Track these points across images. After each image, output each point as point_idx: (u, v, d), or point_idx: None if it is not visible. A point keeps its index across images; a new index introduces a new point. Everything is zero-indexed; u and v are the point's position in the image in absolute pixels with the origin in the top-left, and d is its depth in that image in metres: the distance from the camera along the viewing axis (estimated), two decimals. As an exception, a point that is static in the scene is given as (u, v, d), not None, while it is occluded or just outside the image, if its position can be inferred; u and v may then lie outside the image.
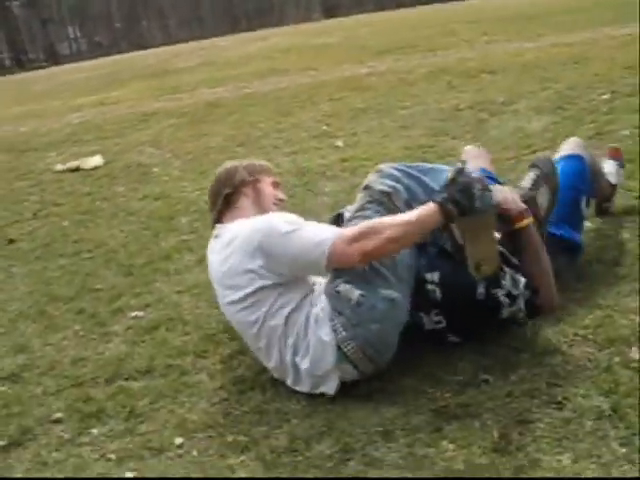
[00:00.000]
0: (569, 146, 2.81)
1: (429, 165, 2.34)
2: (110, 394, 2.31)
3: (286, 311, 2.08)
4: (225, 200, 2.35)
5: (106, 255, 3.76)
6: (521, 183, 2.41)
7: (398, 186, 2.13)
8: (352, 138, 5.50)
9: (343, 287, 2.05)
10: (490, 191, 2.03)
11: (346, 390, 2.07)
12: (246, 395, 2.15)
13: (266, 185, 2.42)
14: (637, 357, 1.96)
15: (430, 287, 2.14)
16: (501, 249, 2.16)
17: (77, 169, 6.06)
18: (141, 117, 8.41)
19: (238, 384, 2.22)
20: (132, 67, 17.44)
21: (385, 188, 2.12)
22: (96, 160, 6.16)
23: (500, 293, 2.13)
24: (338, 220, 2.39)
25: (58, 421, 2.22)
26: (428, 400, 1.96)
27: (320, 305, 2.08)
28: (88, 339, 2.77)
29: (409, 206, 2.08)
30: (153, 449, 1.97)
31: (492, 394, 1.93)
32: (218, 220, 2.36)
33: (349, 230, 2.03)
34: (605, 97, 5.30)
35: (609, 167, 3.08)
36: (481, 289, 2.11)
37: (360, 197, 2.19)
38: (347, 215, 2.27)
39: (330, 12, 47.54)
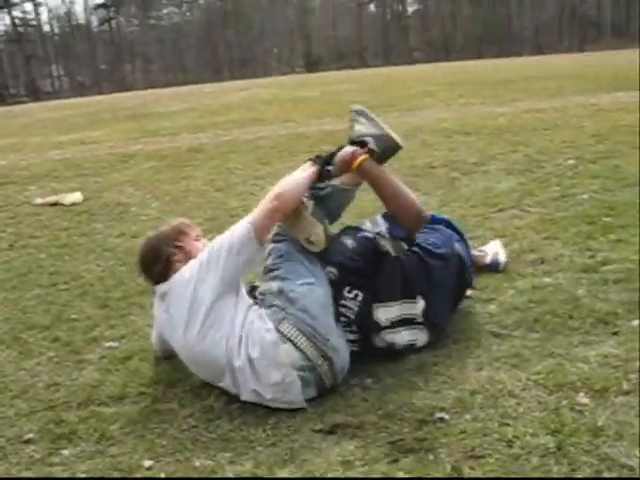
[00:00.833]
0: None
1: None
2: (82, 418, 2.38)
3: (238, 321, 2.35)
4: (161, 272, 2.53)
5: (82, 287, 3.84)
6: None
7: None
8: (328, 188, 5.66)
9: (263, 287, 2.48)
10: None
11: (309, 424, 2.18)
12: (214, 423, 2.25)
13: (191, 243, 2.63)
14: (583, 401, 2.10)
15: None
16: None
17: (56, 204, 6.15)
18: (121, 158, 8.55)
19: (207, 412, 2.32)
20: (113, 108, 17.65)
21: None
22: (75, 196, 6.26)
23: (368, 234, 2.64)
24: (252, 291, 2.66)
25: (29, 441, 2.28)
26: (387, 434, 2.08)
27: (257, 311, 2.40)
28: (62, 366, 2.84)
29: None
30: (122, 470, 2.05)
31: (447, 431, 2.06)
32: (159, 281, 2.55)
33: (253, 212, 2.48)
34: (571, 162, 5.57)
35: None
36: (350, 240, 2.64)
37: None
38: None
39: (312, 66, 48.53)
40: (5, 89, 54.25)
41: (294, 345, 2.29)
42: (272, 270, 2.51)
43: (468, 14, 52.76)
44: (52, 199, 6.25)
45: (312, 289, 2.42)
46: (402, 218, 2.59)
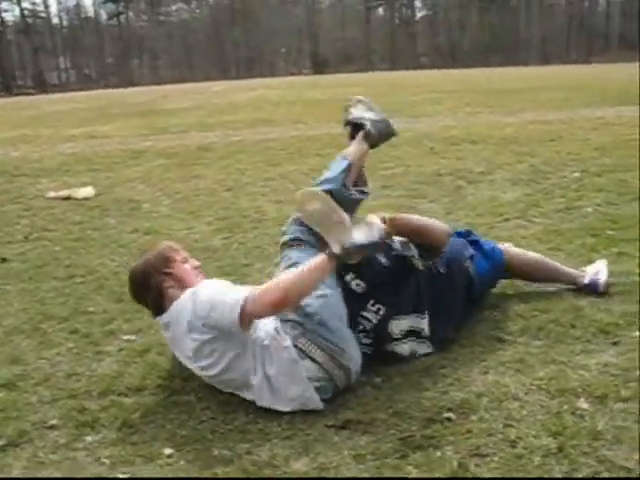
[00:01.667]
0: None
1: None
2: (103, 406, 2.49)
3: (250, 339, 2.36)
4: (155, 302, 2.56)
5: (98, 281, 3.95)
6: None
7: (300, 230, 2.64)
8: (336, 192, 5.77)
9: None
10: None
11: (323, 420, 2.29)
12: (231, 415, 2.36)
13: (180, 267, 2.60)
14: (584, 407, 2.21)
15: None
16: None
17: (68, 198, 6.26)
18: (131, 154, 8.66)
19: (223, 405, 2.43)
20: (122, 103, 17.77)
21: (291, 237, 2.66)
22: (87, 191, 6.38)
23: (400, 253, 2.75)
24: None
25: (53, 427, 2.39)
26: (397, 431, 2.19)
27: (272, 324, 2.41)
28: (81, 356, 2.95)
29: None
30: (144, 457, 2.16)
31: (454, 430, 2.16)
32: (158, 313, 2.57)
33: (257, 289, 2.32)
34: (576, 175, 5.68)
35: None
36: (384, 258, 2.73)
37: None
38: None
39: (319, 67, 48.62)
40: (12, 80, 54.40)
41: (312, 360, 2.35)
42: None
43: (476, 22, 52.89)
44: (65, 193, 6.37)
45: (327, 301, 2.45)
46: (429, 246, 2.79)
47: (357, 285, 2.65)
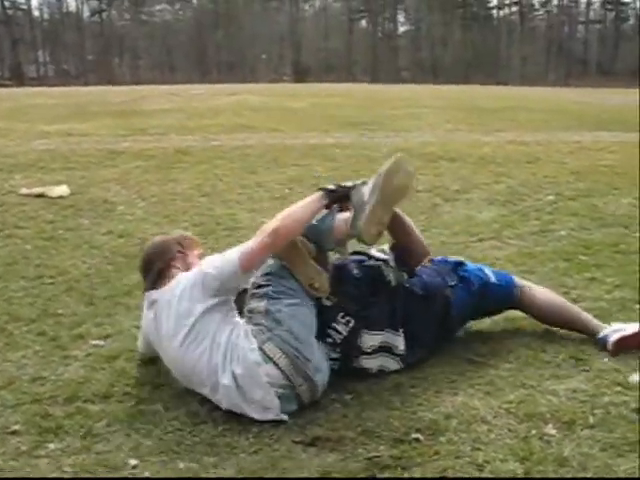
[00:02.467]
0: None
1: None
2: (68, 413, 2.45)
3: (224, 337, 2.42)
4: (158, 274, 2.65)
5: (68, 283, 3.90)
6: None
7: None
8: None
9: (251, 305, 2.53)
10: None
11: (291, 435, 2.27)
12: (199, 427, 2.33)
13: (193, 257, 2.74)
14: (551, 432, 2.22)
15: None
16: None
17: (42, 195, 6.17)
18: (108, 154, 8.56)
19: (192, 417, 2.40)
20: (101, 102, 17.58)
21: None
22: (62, 190, 6.29)
23: (373, 259, 2.80)
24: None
25: (15, 433, 2.34)
26: (364, 450, 2.18)
27: (243, 327, 2.47)
28: (48, 360, 2.90)
29: None
30: (108, 467, 2.13)
31: (421, 451, 2.16)
32: (152, 288, 2.65)
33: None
34: (550, 198, 5.74)
35: None
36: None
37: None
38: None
39: (300, 75, 48.70)
40: (-11, 71, 53.72)
41: (275, 365, 2.37)
42: (260, 286, 2.58)
43: (459, 38, 53.40)
44: (38, 190, 6.27)
45: (298, 309, 2.50)
46: (409, 253, 2.81)
47: (327, 298, 2.64)
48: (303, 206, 2.56)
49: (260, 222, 5.14)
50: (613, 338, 2.81)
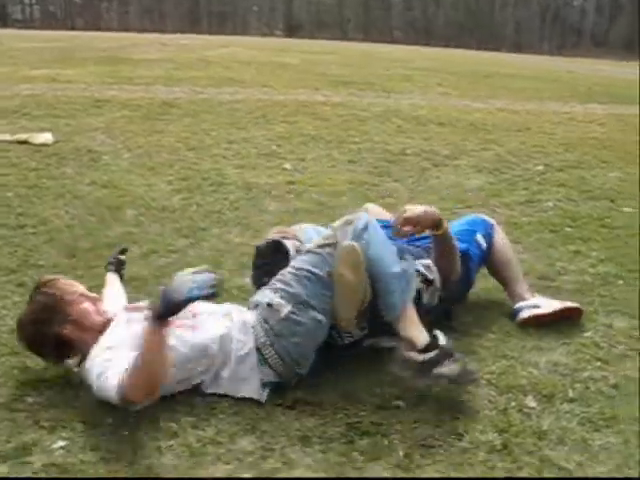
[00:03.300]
0: None
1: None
2: (47, 366, 2.42)
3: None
4: (58, 356, 2.34)
5: (50, 233, 3.84)
6: None
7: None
8: (300, 163, 5.72)
9: (277, 301, 2.30)
10: None
11: (271, 398, 2.26)
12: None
13: (76, 309, 2.33)
14: (531, 405, 2.23)
15: None
16: None
17: (25, 142, 6.05)
18: (94, 102, 8.39)
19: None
20: (88, 47, 17.19)
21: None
22: (46, 137, 6.16)
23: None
24: (273, 250, 2.62)
25: (-7, 385, 2.32)
26: (345, 415, 2.18)
27: (249, 314, 2.34)
28: (28, 311, 2.86)
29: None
30: (86, 422, 2.11)
31: (402, 418, 2.17)
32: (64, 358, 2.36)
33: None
34: (539, 168, 5.72)
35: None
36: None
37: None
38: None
39: (292, 31, 47.96)
40: (-27, 10, 52.36)
41: (272, 369, 2.27)
42: (289, 283, 2.33)
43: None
44: (21, 137, 6.15)
45: (317, 327, 2.31)
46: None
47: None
48: (148, 349, 2.02)
49: (249, 181, 5.13)
50: (525, 314, 2.85)
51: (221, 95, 9.45)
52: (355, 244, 2.26)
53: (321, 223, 3.22)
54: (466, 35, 45.41)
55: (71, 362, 2.36)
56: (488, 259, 3.02)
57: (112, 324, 2.30)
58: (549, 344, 2.69)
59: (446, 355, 2.20)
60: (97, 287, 3.09)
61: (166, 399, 2.20)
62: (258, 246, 2.79)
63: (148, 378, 1.99)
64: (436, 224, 2.66)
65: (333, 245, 2.31)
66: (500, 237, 3.06)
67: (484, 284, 3.18)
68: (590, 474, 1.95)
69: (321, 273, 2.29)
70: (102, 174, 5.15)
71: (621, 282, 3.34)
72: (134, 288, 3.11)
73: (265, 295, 2.37)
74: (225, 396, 2.27)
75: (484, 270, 3.11)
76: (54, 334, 2.28)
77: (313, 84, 10.74)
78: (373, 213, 3.00)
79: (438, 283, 2.64)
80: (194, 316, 2.30)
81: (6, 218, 4.08)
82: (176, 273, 2.07)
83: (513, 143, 6.72)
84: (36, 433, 2.07)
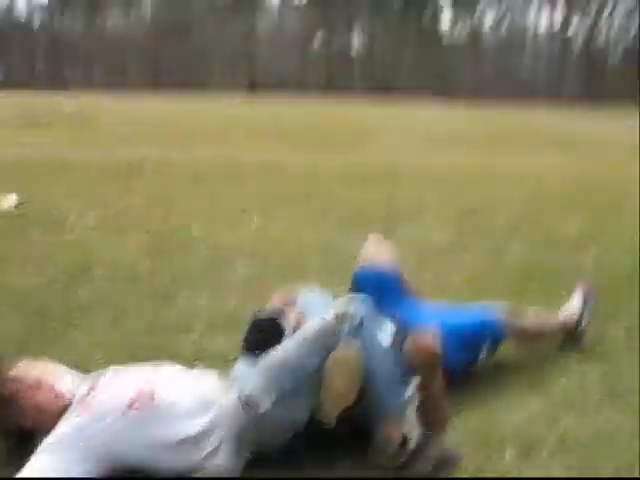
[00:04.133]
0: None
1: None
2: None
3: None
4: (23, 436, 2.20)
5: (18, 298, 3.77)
6: None
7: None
8: (267, 222, 5.75)
9: (257, 394, 2.13)
10: None
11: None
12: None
13: (30, 401, 2.21)
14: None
15: None
16: None
17: (-10, 207, 6.01)
18: (60, 165, 8.41)
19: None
20: (52, 111, 17.29)
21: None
22: (10, 199, 6.15)
23: None
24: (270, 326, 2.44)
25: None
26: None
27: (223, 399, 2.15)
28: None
29: None
30: None
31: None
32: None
33: None
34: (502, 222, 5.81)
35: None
36: None
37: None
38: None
39: (253, 88, 48.73)
40: None
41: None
42: (276, 372, 2.15)
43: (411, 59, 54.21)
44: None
45: (294, 423, 2.17)
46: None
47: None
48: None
49: (215, 239, 5.11)
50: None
51: (186, 154, 9.54)
52: (352, 353, 2.11)
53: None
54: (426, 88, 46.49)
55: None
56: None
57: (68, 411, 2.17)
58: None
59: (416, 454, 2.10)
60: (68, 350, 3.04)
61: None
62: (258, 317, 2.56)
63: None
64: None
65: (330, 336, 2.15)
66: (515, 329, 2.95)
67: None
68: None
69: (312, 368, 2.12)
70: (69, 235, 5.12)
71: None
72: (105, 353, 3.05)
73: (248, 378, 2.19)
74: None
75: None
76: (14, 426, 2.20)
77: (275, 142, 10.90)
78: (370, 254, 2.98)
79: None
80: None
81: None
82: None
83: (478, 195, 6.86)
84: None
